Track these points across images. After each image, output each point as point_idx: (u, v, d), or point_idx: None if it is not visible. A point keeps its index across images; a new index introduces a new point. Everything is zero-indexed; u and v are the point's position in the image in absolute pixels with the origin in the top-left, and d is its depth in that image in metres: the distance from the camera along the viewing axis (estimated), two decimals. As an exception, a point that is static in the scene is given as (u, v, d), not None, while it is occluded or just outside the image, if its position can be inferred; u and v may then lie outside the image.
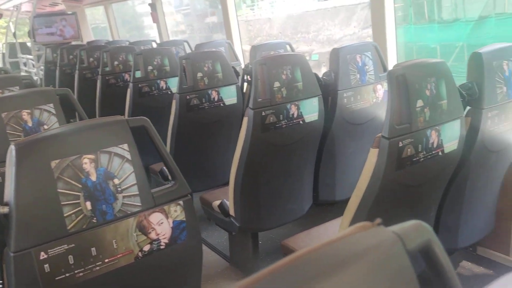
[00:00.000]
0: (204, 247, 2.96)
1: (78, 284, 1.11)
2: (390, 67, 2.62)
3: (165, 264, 1.25)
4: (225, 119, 2.88)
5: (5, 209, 1.03)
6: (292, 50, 2.99)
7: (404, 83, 1.55)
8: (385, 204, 1.69)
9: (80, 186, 1.09)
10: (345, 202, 2.94)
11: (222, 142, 2.95)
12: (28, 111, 1.73)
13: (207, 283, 2.45)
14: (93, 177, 1.11)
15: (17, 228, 1.02)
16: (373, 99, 2.51)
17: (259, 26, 6.47)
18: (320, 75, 2.41)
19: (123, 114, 3.36)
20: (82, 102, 2.71)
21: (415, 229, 0.51)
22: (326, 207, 3.00)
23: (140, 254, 1.19)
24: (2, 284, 1.10)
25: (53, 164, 1.06)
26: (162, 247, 1.22)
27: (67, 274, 1.09)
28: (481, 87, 1.79)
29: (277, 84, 2.16)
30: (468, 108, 1.85)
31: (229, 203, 2.40)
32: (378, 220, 0.52)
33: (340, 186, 2.62)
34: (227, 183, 3.13)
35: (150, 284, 1.25)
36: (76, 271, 1.10)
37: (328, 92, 2.41)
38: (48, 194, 1.05)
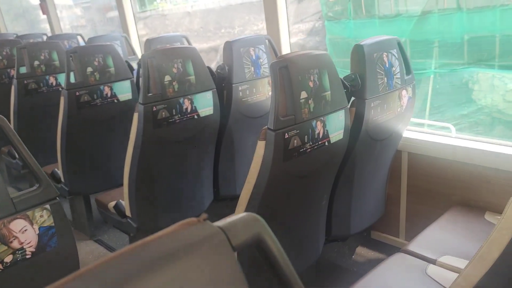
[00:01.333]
0: (104, 250, 2.83)
1: None
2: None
3: (33, 274, 1.14)
4: (120, 116, 2.75)
5: None
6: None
7: (287, 75, 1.57)
8: (276, 196, 1.71)
9: None
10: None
11: (117, 140, 2.81)
12: None
13: None
14: None
15: None
16: (269, 92, 2.53)
17: (177, 21, 6.13)
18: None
19: (7, 113, 3.08)
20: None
21: (244, 223, 0.49)
22: (228, 202, 2.99)
23: (0, 266, 1.07)
24: None
25: None
26: (28, 256, 1.11)
27: None
28: (363, 78, 1.83)
29: (167, 78, 2.10)
30: (353, 99, 1.91)
31: (125, 204, 2.30)
32: (205, 216, 0.49)
33: (240, 180, 2.61)
34: (120, 185, 3.02)
35: None
36: None
37: (223, 85, 2.39)
38: None
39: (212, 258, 0.46)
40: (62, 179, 2.76)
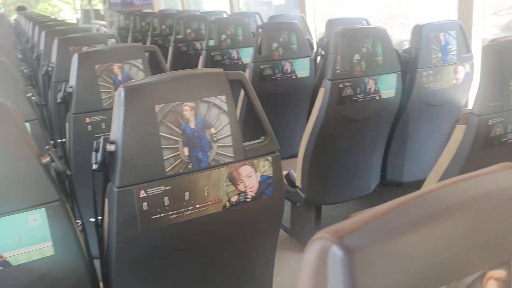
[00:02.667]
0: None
1: (170, 225, 1.17)
2: (473, 48, 2.52)
3: (248, 216, 1.28)
4: (296, 91, 2.87)
5: (112, 147, 1.09)
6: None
7: (499, 60, 1.49)
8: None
9: (179, 131, 1.14)
10: (412, 184, 2.91)
11: (290, 114, 2.96)
12: (119, 64, 1.81)
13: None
14: (192, 125, 1.15)
15: (121, 165, 1.08)
16: (453, 80, 2.42)
17: (343, 8, 6.03)
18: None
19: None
20: (152, 67, 2.81)
21: None
22: (392, 188, 2.95)
23: (227, 204, 1.23)
24: (102, 219, 1.18)
25: (157, 108, 1.11)
26: (248, 199, 1.25)
27: (162, 215, 1.15)
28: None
29: (357, 56, 2.13)
30: None
31: (296, 175, 2.41)
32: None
33: (409, 168, 2.56)
34: (293, 156, 3.16)
35: (232, 234, 1.29)
36: (169, 213, 1.15)
37: (407, 69, 2.35)
38: (151, 137, 1.11)
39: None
40: None
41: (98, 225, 1.19)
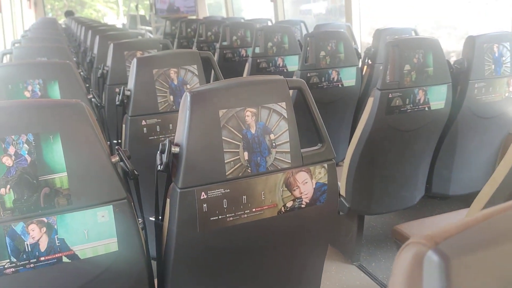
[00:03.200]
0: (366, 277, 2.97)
1: (227, 228, 1.20)
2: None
3: (302, 222, 1.30)
4: (341, 100, 2.88)
5: (176, 149, 1.14)
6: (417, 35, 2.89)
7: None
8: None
9: (240, 136, 1.17)
10: (458, 198, 2.85)
11: (334, 123, 2.96)
12: (175, 69, 1.87)
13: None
14: (253, 130, 1.19)
15: (185, 167, 1.13)
16: (506, 93, 2.37)
17: (389, 18, 5.90)
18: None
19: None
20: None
21: None
22: (436, 201, 2.91)
23: (283, 209, 1.25)
24: (162, 218, 1.22)
25: (221, 113, 1.15)
26: (302, 206, 1.27)
27: (220, 217, 1.18)
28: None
29: (407, 67, 2.12)
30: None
31: (341, 183, 2.41)
32: None
33: (456, 181, 2.52)
34: (336, 164, 3.16)
35: (285, 238, 1.32)
36: (227, 215, 1.19)
37: (458, 80, 2.32)
38: (214, 140, 1.14)
39: None
40: None
41: (158, 225, 1.24)
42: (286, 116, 1.22)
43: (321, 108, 2.85)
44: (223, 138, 1.15)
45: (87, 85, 3.21)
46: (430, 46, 2.17)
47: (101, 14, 20.77)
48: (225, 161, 1.16)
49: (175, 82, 1.87)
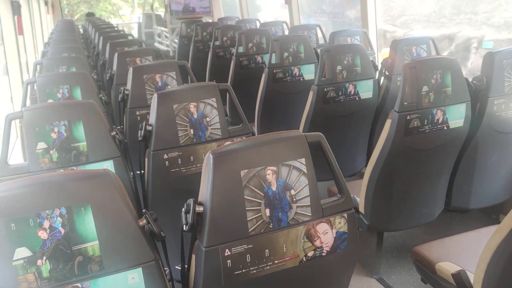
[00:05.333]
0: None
1: (251, 280, 1.24)
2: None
3: (323, 269, 1.34)
4: (358, 112, 2.88)
5: (200, 208, 1.18)
6: (435, 46, 2.86)
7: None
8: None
9: (262, 194, 1.21)
10: (479, 212, 2.85)
11: (351, 135, 2.97)
12: (195, 104, 1.90)
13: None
14: (274, 187, 1.22)
15: (209, 226, 1.17)
16: (527, 108, 2.35)
17: (405, 2, 5.57)
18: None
19: (254, 96, 3.50)
20: (213, 79, 3.03)
21: None
22: (456, 215, 2.91)
23: (304, 258, 1.29)
24: (188, 270, 1.27)
25: (242, 173, 1.18)
26: (323, 254, 1.31)
27: (244, 270, 1.22)
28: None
29: (425, 88, 2.12)
30: None
31: (360, 200, 2.43)
32: None
33: (475, 195, 2.52)
34: (351, 175, 3.17)
35: (308, 285, 1.36)
36: (251, 268, 1.23)
37: (477, 97, 2.31)
38: (237, 200, 1.18)
39: None
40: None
41: (184, 277, 1.29)
42: (305, 172, 1.25)
43: (338, 121, 2.89)
44: (245, 197, 1.19)
45: (100, 83, 3.51)
46: (448, 65, 2.15)
47: (116, 8, 20.86)
48: (248, 219, 1.20)
49: (195, 116, 1.90)
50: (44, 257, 1.04)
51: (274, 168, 1.21)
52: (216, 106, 1.93)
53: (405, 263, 2.62)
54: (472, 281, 1.55)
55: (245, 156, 1.19)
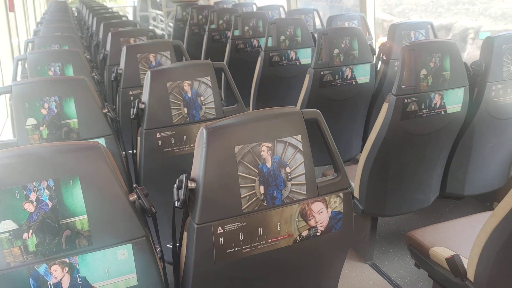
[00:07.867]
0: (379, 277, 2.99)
1: (243, 258, 1.22)
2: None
3: (317, 249, 1.32)
4: (355, 97, 2.85)
5: (193, 185, 1.15)
6: (434, 31, 2.83)
7: None
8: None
9: (256, 171, 1.18)
10: (473, 198, 2.84)
11: (348, 119, 2.94)
12: (189, 82, 1.86)
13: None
14: (268, 164, 1.19)
15: (202, 202, 1.14)
16: (524, 94, 2.33)
17: None
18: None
19: (250, 80, 3.46)
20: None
21: None
22: (450, 202, 2.90)
23: (298, 238, 1.26)
24: (180, 247, 1.24)
25: (237, 149, 1.15)
26: (318, 234, 1.28)
27: (236, 249, 1.20)
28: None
29: (423, 71, 2.09)
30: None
31: (354, 185, 2.41)
32: None
33: (470, 181, 2.50)
34: (348, 160, 3.15)
35: (301, 265, 1.33)
36: (243, 247, 1.20)
37: (475, 83, 2.28)
38: (230, 176, 1.15)
39: None
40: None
41: (176, 254, 1.26)
42: (301, 149, 1.21)
43: (335, 105, 2.86)
44: (239, 173, 1.16)
45: (93, 64, 3.48)
46: (447, 49, 2.12)
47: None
48: (241, 196, 1.17)
49: (189, 95, 1.86)
50: (31, 231, 1.01)
51: (269, 144, 1.18)
52: (210, 85, 1.89)
53: (398, 249, 2.62)
54: (466, 265, 1.53)
55: (239, 131, 1.16)
